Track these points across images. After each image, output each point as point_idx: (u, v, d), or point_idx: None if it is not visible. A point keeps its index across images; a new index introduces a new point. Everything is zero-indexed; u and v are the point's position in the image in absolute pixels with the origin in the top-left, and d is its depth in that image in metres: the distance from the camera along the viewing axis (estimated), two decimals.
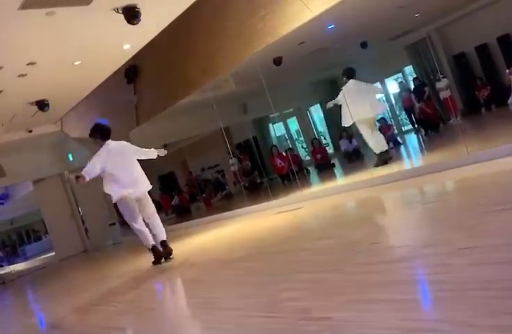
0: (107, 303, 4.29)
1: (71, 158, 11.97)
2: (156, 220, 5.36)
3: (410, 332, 1.71)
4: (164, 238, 5.28)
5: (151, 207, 5.37)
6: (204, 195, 13.94)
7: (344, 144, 11.54)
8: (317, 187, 8.37)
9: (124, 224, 17.82)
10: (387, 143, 10.63)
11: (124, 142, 5.52)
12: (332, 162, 11.86)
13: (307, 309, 2.33)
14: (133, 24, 5.70)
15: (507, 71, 10.69)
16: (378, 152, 7.31)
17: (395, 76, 13.92)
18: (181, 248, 6.52)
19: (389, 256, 2.85)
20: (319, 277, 2.82)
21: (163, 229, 5.35)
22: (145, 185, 5.35)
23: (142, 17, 5.72)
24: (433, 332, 1.69)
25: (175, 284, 4.16)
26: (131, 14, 5.68)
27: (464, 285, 1.98)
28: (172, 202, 13.91)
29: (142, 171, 5.39)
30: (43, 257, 17.31)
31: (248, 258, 4.19)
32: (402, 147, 10.29)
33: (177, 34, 6.75)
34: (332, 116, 15.66)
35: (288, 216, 6.03)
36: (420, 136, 11.29)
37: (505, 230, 2.57)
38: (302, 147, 15.96)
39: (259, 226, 6.10)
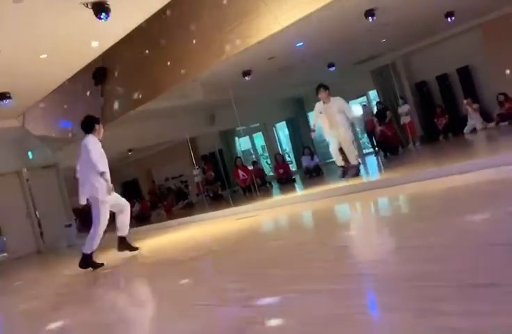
0: (54, 294, 4.26)
1: (31, 156, 11.73)
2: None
3: (341, 316, 1.81)
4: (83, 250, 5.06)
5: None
6: (165, 202, 13.88)
7: (305, 160, 11.78)
8: (275, 198, 8.54)
9: (84, 227, 17.38)
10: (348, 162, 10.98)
11: (85, 140, 5.10)
12: (293, 177, 12.07)
13: (250, 298, 2.42)
14: (102, 20, 5.66)
15: (465, 101, 11.25)
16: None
17: (359, 100, 14.37)
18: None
19: (334, 254, 2.98)
20: (265, 272, 2.92)
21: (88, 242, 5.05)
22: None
23: (111, 15, 5.65)
24: (361, 315, 1.80)
25: (125, 280, 4.17)
26: (100, 10, 5.61)
27: (396, 278, 2.12)
28: (133, 209, 13.76)
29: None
30: None
31: (200, 257, 4.26)
32: (361, 167, 10.58)
33: (147, 37, 6.83)
34: (297, 134, 15.99)
35: (245, 221, 6.15)
36: (379, 158, 11.63)
37: (441, 233, 2.75)
38: (266, 162, 16.17)
39: (216, 230, 6.19)
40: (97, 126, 5.17)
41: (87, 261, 5.01)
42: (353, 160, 7.53)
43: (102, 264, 5.08)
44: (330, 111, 7.29)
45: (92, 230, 5.02)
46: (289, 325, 1.85)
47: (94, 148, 4.96)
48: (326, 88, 7.40)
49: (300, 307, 2.03)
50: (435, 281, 1.90)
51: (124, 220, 5.33)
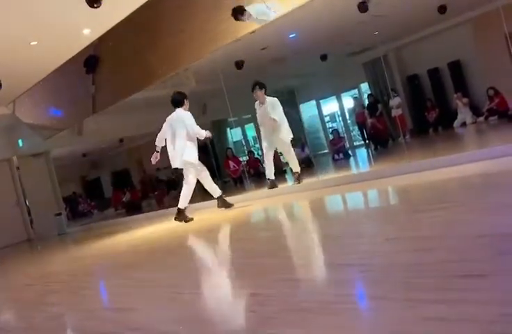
0: (42, 283, 4.27)
1: (21, 144, 11.64)
2: (182, 189, 6.08)
3: (328, 305, 1.84)
4: (179, 206, 6.02)
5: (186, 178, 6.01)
6: (156, 192, 13.89)
7: (296, 152, 11.78)
8: (265, 189, 8.56)
9: (73, 216, 17.36)
10: (338, 154, 11.06)
11: (180, 113, 5.88)
12: (283, 169, 12.09)
13: (241, 287, 2.46)
14: (94, 8, 5.56)
15: (455, 95, 11.31)
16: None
17: (351, 92, 14.39)
18: (129, 237, 6.56)
19: (323, 245, 3.02)
20: (254, 262, 2.95)
21: (184, 199, 6.02)
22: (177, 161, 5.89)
23: (103, 2, 5.56)
24: (349, 304, 1.83)
25: (113, 268, 4.19)
26: None
27: (385, 269, 2.15)
28: (124, 198, 13.76)
29: (182, 146, 5.86)
30: None
31: (189, 246, 4.29)
32: (352, 159, 10.68)
33: (140, 25, 6.76)
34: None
35: (236, 211, 6.20)
36: (370, 151, 11.72)
37: (430, 225, 2.80)
38: (258, 154, 16.17)
39: (205, 220, 6.22)
40: (185, 101, 5.97)
41: (181, 215, 5.96)
42: (296, 167, 7.00)
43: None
44: (264, 113, 6.59)
45: (184, 190, 6.03)
46: (275, 314, 1.87)
47: (192, 120, 5.83)
48: (262, 86, 6.65)
49: (287, 296, 2.06)
50: (423, 272, 1.94)
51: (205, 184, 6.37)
